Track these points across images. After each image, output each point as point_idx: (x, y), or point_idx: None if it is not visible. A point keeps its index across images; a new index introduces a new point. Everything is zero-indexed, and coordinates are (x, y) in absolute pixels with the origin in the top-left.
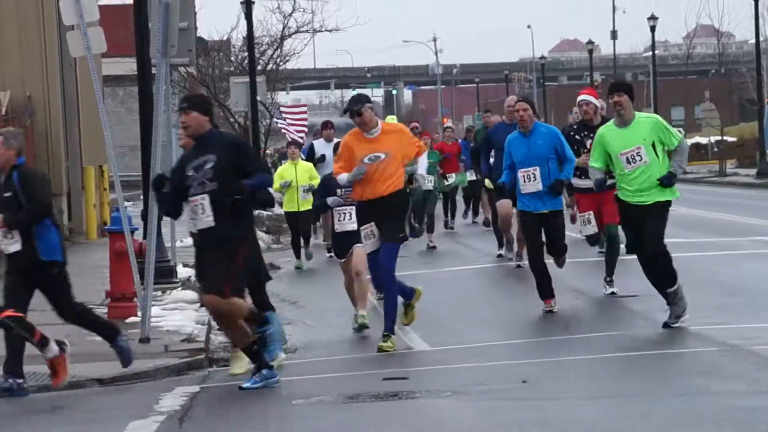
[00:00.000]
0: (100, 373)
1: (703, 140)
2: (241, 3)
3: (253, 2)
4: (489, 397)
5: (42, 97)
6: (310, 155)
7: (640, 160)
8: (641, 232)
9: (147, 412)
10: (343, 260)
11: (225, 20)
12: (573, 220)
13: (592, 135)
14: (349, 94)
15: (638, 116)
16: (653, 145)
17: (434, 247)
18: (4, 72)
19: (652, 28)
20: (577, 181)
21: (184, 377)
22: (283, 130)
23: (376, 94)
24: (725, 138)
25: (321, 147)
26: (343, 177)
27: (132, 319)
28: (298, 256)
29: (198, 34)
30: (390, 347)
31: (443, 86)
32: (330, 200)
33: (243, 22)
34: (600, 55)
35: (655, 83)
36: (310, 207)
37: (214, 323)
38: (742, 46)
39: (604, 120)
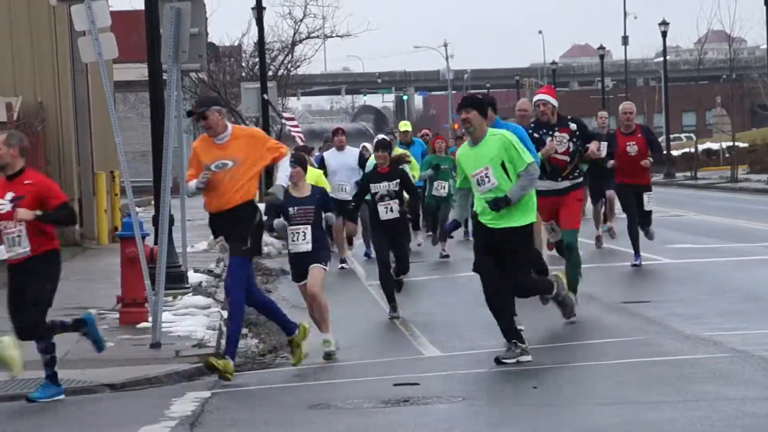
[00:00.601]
0: (112, 378)
1: (715, 146)
2: (252, 9)
3: (264, 8)
4: (500, 403)
5: (53, 103)
6: (321, 169)
7: (488, 182)
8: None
9: (158, 417)
10: (300, 283)
11: (236, 26)
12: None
13: (551, 133)
14: (360, 99)
15: (489, 133)
16: (503, 165)
17: (447, 256)
18: (16, 78)
19: (664, 34)
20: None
21: (195, 382)
22: (292, 133)
23: (387, 100)
24: (737, 143)
25: (332, 157)
26: (191, 185)
27: (143, 324)
28: None
29: (209, 40)
30: (221, 367)
31: (454, 92)
32: (275, 223)
33: (254, 28)
34: (611, 60)
35: (666, 89)
36: None
37: (225, 329)
38: (754, 52)
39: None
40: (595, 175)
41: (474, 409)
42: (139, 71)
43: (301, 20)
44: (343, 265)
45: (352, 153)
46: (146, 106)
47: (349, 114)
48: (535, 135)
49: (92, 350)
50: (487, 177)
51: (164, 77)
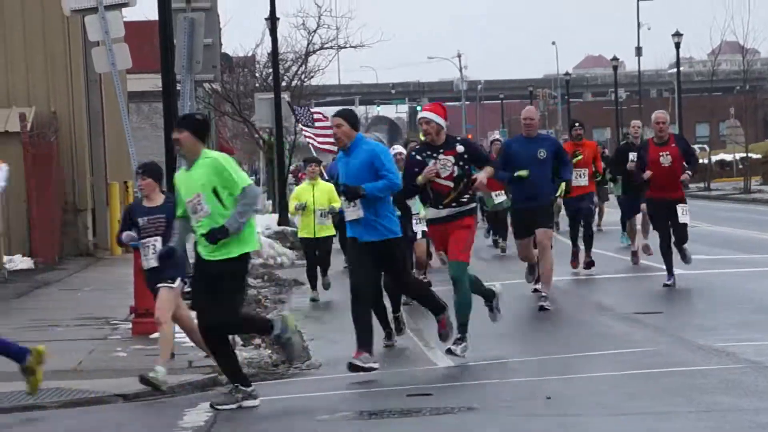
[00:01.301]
0: (125, 388)
1: (728, 157)
2: (266, 19)
3: (278, 18)
4: (513, 414)
5: (67, 113)
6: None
7: (201, 210)
8: None
9: (171, 428)
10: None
11: (250, 36)
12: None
13: (434, 156)
14: (374, 110)
15: (203, 155)
16: (216, 192)
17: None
18: (30, 88)
19: (677, 45)
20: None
21: (208, 393)
22: (309, 142)
23: (401, 110)
24: (750, 155)
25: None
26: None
27: (156, 334)
28: (313, 287)
29: (223, 51)
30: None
31: (468, 102)
32: (124, 236)
33: (268, 39)
34: (625, 71)
35: (679, 100)
36: (329, 233)
37: (238, 339)
38: None
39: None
40: (628, 190)
41: (487, 420)
42: (152, 81)
43: (314, 31)
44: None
45: None
46: (160, 116)
47: (363, 125)
48: (418, 157)
49: (111, 362)
50: (199, 205)
51: (178, 87)
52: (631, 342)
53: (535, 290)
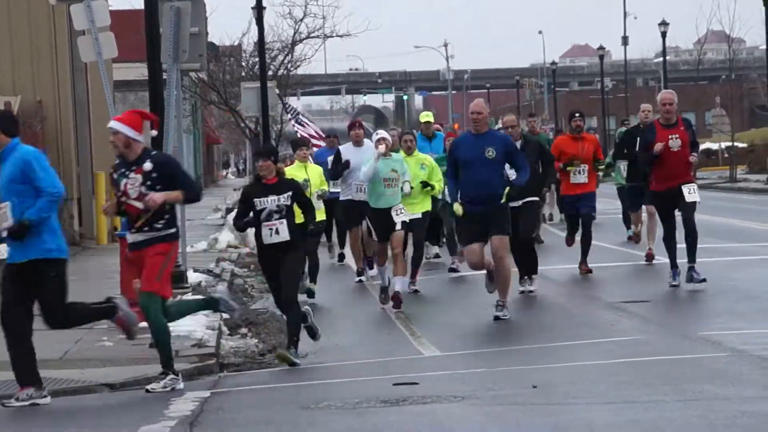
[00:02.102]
0: (111, 377)
1: (714, 146)
2: (253, 8)
3: (265, 7)
4: (500, 403)
5: (53, 103)
6: (337, 160)
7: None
8: None
9: (158, 416)
10: None
11: (236, 25)
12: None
13: (126, 173)
14: (361, 99)
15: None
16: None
17: (455, 270)
18: (15, 77)
19: (663, 34)
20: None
21: (194, 382)
22: (299, 133)
23: (387, 100)
24: (736, 144)
25: (349, 154)
26: None
27: (142, 324)
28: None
29: (209, 40)
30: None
31: (454, 92)
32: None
33: (254, 28)
34: (611, 60)
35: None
36: (321, 218)
37: (225, 329)
38: (753, 52)
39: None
40: (634, 178)
41: (473, 409)
42: (138, 71)
43: (301, 20)
44: (361, 278)
45: (372, 148)
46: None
47: (349, 114)
48: (114, 175)
49: (97, 351)
50: None
51: (164, 77)
52: (618, 331)
53: (522, 292)
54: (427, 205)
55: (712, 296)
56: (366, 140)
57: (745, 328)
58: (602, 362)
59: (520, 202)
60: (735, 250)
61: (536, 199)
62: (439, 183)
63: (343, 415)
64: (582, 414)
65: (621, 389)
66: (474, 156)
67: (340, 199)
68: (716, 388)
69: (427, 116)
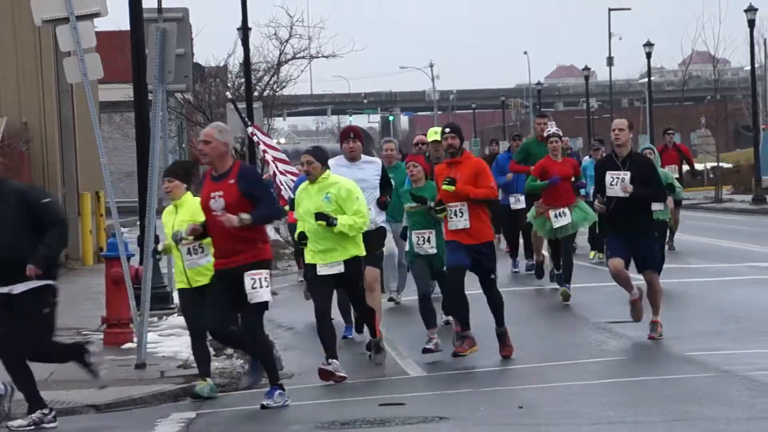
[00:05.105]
0: (96, 399)
1: (699, 166)
2: (238, 29)
3: (250, 28)
4: (485, 423)
5: (38, 123)
6: None
7: None
8: None
9: None
10: None
11: (222, 46)
12: None
13: None
14: (346, 120)
15: None
16: None
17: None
18: (1, 98)
19: (648, 55)
20: None
21: (180, 403)
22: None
23: (373, 120)
24: (721, 164)
25: (340, 172)
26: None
27: (128, 345)
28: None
29: (195, 60)
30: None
31: (440, 112)
32: None
33: (240, 48)
34: (596, 81)
35: (650, 109)
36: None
37: (210, 349)
38: (738, 73)
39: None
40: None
41: (459, 430)
42: (124, 92)
43: (286, 41)
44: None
45: (371, 164)
46: (131, 126)
47: (335, 134)
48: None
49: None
50: None
51: (150, 98)
52: (604, 351)
53: (447, 322)
54: (353, 250)
55: (698, 317)
56: (365, 156)
57: (731, 349)
58: (588, 383)
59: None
60: (720, 270)
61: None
62: (355, 218)
63: None
64: None
65: (607, 410)
66: None
67: None
68: (702, 409)
69: (435, 134)
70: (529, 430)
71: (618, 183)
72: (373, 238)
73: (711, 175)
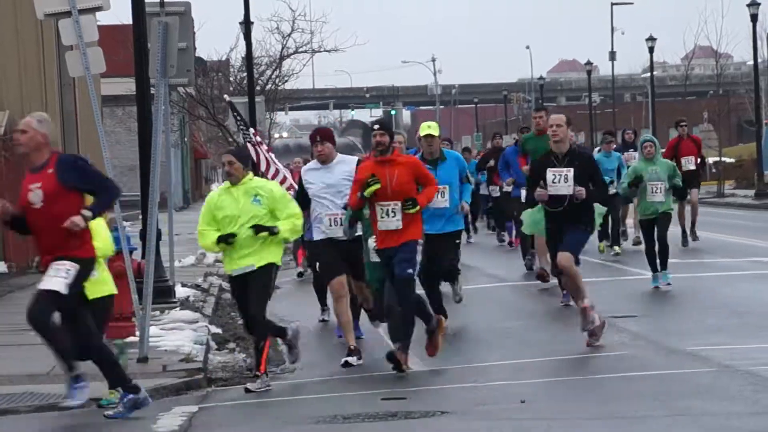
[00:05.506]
0: (98, 393)
1: None
2: (240, 23)
3: (252, 22)
4: (487, 418)
5: None
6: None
7: None
8: None
9: (145, 431)
10: None
11: (224, 40)
12: None
13: None
14: (348, 114)
15: None
16: None
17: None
18: (3, 92)
19: (651, 50)
20: None
21: (182, 397)
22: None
23: (375, 115)
24: (723, 159)
25: (311, 176)
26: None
27: (130, 339)
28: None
29: (197, 55)
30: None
31: (442, 106)
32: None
33: (242, 43)
34: (598, 75)
35: (653, 104)
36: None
37: (212, 343)
38: (740, 68)
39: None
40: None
41: (461, 424)
42: (126, 86)
43: (288, 35)
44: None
45: (343, 164)
46: (134, 120)
47: (337, 129)
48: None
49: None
50: None
51: (152, 92)
52: (606, 346)
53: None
54: (269, 256)
55: (700, 311)
56: (340, 156)
57: (733, 344)
58: (590, 377)
59: None
60: (723, 265)
61: None
62: (293, 220)
63: (330, 431)
64: (569, 429)
65: (609, 404)
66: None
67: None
68: (704, 404)
69: (428, 128)
70: (531, 425)
71: (561, 180)
72: (353, 249)
73: (713, 170)
